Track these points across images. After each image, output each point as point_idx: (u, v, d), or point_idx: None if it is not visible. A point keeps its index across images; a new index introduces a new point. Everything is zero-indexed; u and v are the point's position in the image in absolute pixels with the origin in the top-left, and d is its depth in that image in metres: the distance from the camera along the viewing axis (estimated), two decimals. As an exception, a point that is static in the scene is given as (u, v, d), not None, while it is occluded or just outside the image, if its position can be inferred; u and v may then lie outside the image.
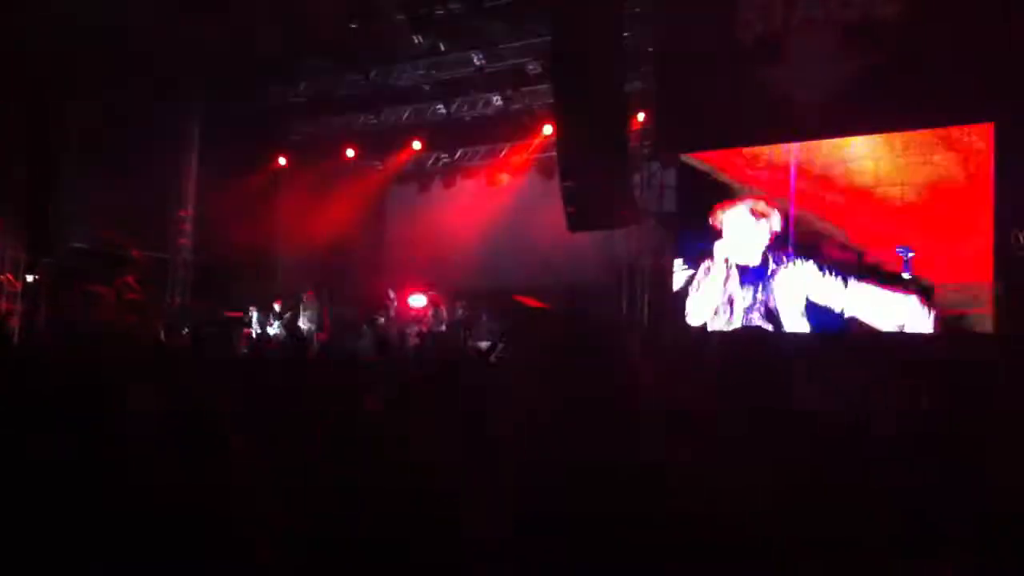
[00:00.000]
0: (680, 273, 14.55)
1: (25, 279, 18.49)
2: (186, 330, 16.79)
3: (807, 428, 3.32)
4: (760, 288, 13.63)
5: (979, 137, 12.29)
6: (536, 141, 19.58)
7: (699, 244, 14.36)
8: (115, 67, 18.52)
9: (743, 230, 13.94)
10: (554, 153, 15.79)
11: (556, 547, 1.86)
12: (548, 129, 17.96)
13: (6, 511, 2.58)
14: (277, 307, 18.86)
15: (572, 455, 2.35)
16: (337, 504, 2.24)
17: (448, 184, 21.31)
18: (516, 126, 19.46)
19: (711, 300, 14.09)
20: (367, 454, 2.48)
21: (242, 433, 2.81)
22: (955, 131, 12.47)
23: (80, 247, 18.98)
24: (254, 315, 18.80)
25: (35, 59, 17.59)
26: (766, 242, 13.69)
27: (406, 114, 20.39)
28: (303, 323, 18.03)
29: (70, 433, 2.94)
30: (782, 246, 13.61)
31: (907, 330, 12.33)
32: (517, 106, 18.94)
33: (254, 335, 18.21)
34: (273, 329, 18.65)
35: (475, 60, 18.18)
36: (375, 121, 20.55)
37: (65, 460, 2.76)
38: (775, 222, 13.64)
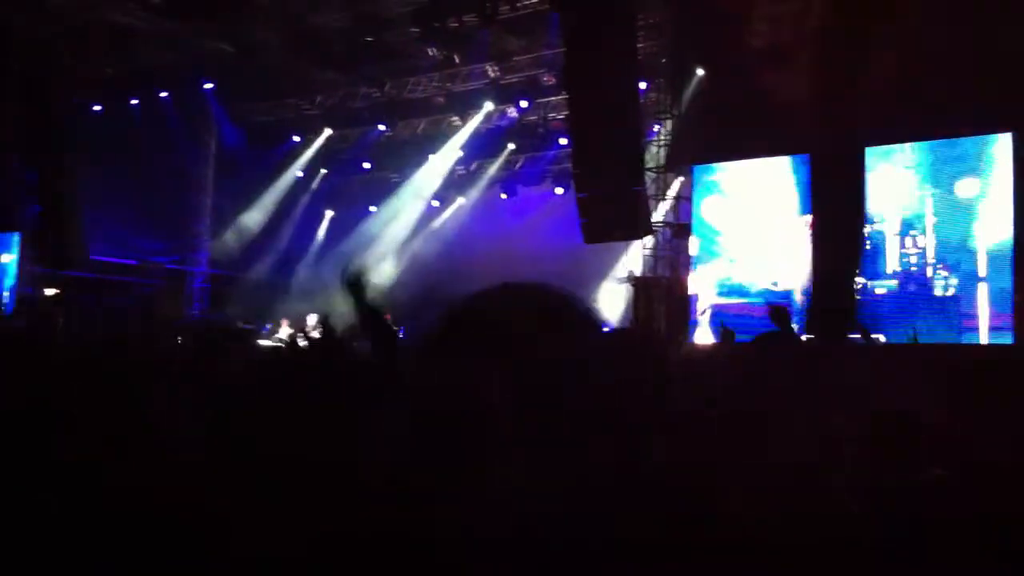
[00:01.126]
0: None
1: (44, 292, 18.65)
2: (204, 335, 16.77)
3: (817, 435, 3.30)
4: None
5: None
6: (551, 152, 19.62)
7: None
8: (132, 79, 18.72)
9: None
10: (569, 164, 15.80)
11: (557, 547, 1.85)
12: (563, 140, 18.01)
13: (29, 515, 2.58)
14: (311, 321, 18.68)
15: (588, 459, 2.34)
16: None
17: (463, 195, 21.33)
18: (531, 137, 19.51)
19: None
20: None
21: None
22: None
23: (100, 260, 19.10)
24: (283, 328, 18.66)
25: (51, 69, 17.78)
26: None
27: (421, 126, 20.45)
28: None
29: (92, 436, 2.94)
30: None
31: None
32: (532, 117, 18.97)
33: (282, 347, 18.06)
34: (302, 342, 18.49)
35: (489, 72, 18.24)
36: (390, 133, 20.61)
37: (84, 463, 2.76)
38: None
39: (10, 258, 19.29)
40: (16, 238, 19.27)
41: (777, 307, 6.99)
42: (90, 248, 18.49)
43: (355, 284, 3.43)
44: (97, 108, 19.26)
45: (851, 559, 1.97)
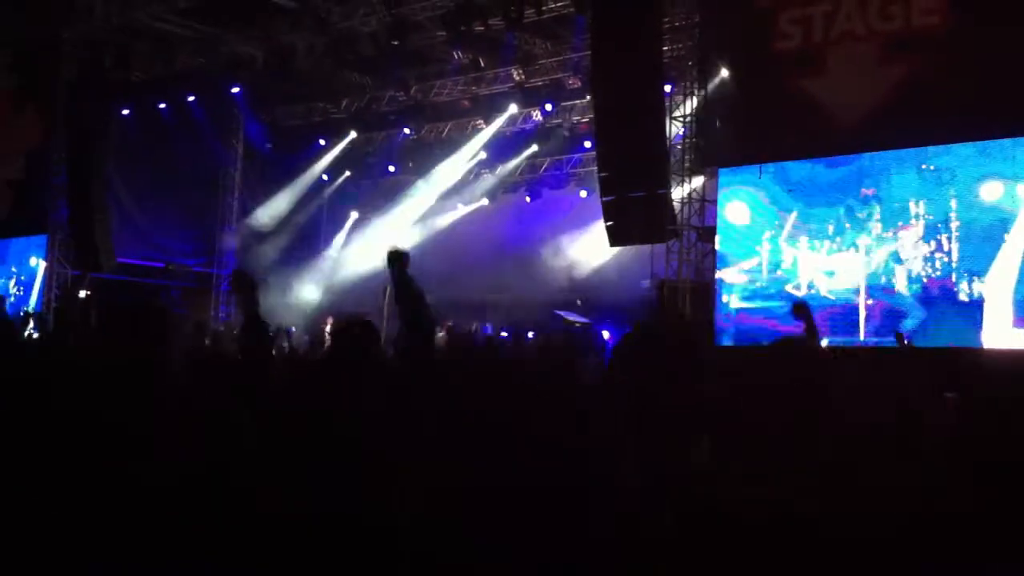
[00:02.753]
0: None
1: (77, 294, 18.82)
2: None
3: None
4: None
5: None
6: (576, 156, 19.66)
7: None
8: (160, 83, 18.90)
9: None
10: (594, 167, 15.82)
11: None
12: (588, 143, 18.03)
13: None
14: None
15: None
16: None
17: (489, 198, 21.39)
18: (556, 140, 19.56)
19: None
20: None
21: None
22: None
23: (127, 263, 19.28)
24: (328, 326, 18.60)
25: (88, 75, 18.01)
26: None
27: (446, 130, 20.52)
28: None
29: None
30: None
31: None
32: (557, 121, 19.01)
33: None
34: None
35: (515, 75, 18.29)
36: (415, 137, 20.69)
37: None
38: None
39: (37, 260, 19.49)
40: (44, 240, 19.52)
41: (799, 304, 7.27)
42: (117, 251, 18.65)
43: (395, 259, 3.46)
44: (125, 112, 19.45)
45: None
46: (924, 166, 12.95)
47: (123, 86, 18.56)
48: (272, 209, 21.66)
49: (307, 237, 22.23)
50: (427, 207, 21.52)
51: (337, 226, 22.68)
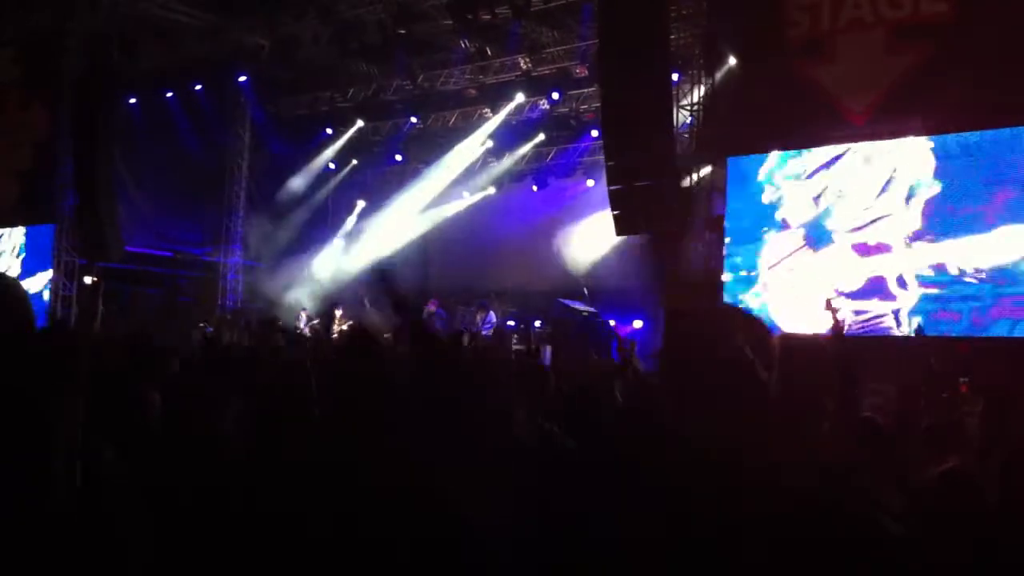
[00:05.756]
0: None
1: (82, 282, 18.84)
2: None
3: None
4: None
5: None
6: (583, 145, 19.59)
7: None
8: (167, 73, 18.91)
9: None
10: (600, 156, 15.77)
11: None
12: (595, 133, 17.97)
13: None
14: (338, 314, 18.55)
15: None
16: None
17: (496, 187, 21.32)
18: (563, 129, 19.50)
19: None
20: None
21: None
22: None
23: (135, 252, 19.30)
24: (337, 315, 18.54)
25: (96, 65, 18.01)
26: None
27: (453, 118, 20.46)
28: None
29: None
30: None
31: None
32: (564, 109, 18.94)
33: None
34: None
35: (521, 64, 18.23)
36: (422, 126, 20.64)
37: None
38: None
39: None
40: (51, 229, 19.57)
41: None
42: (125, 240, 18.67)
43: (384, 280, 3.45)
44: (132, 101, 19.45)
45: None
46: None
47: (129, 76, 18.55)
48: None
49: (315, 224, 22.19)
50: (433, 196, 21.44)
51: (344, 214, 22.66)
